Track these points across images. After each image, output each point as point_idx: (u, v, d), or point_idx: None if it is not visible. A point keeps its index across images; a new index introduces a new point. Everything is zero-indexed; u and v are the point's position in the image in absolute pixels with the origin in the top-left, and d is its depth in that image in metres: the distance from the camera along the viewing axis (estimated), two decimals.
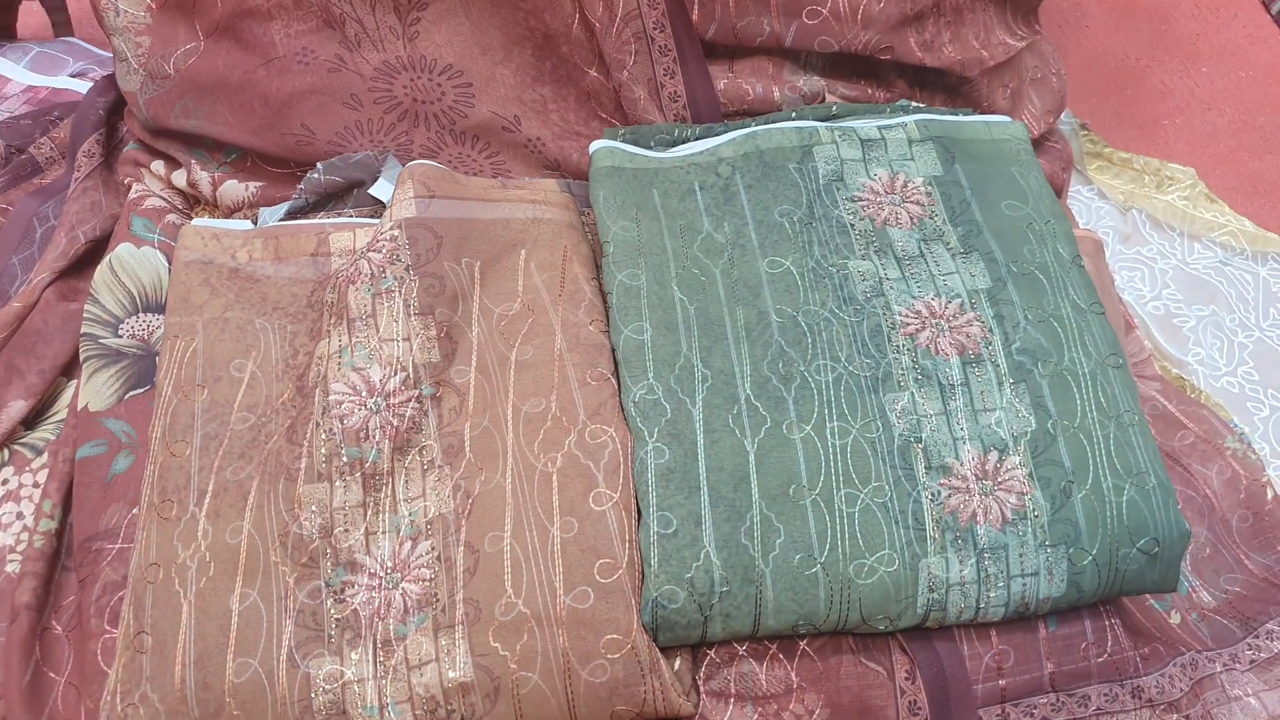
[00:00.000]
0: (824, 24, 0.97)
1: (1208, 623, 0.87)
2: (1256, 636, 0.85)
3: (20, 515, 0.85)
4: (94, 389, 0.86)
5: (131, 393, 0.87)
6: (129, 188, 1.01)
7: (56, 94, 1.20)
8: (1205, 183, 1.21)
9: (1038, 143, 1.10)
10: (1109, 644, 0.77)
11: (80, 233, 1.00)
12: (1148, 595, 0.84)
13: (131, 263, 0.92)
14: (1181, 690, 0.78)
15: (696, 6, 0.97)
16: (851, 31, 0.97)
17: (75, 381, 0.92)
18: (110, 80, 1.09)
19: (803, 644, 0.75)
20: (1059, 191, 1.12)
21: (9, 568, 0.82)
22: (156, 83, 0.97)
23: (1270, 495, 0.94)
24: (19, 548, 0.84)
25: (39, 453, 0.89)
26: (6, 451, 0.89)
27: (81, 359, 0.88)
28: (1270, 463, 1.00)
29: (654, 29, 0.97)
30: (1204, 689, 0.80)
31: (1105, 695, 0.76)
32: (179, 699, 0.68)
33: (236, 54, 0.95)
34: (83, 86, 1.19)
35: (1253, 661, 0.84)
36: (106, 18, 0.98)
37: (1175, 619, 0.85)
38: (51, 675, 0.77)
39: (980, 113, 1.03)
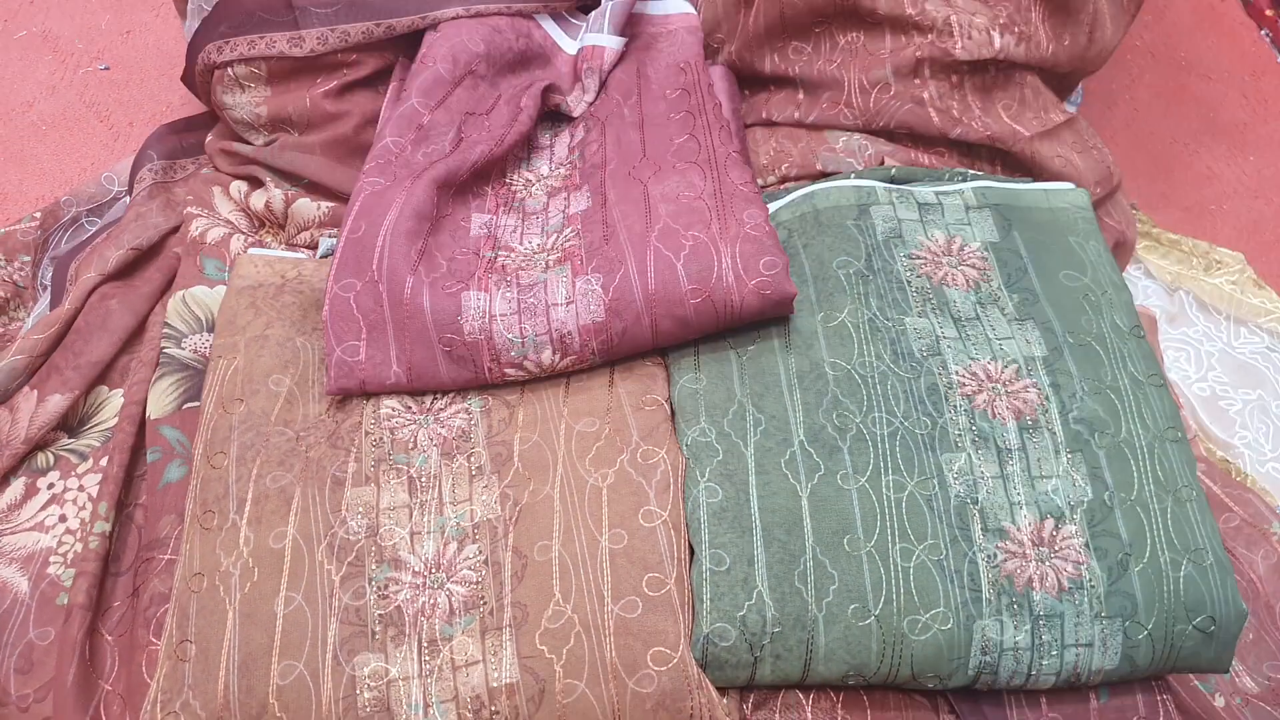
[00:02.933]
0: (840, 112, 1.03)
1: (1251, 709, 0.85)
2: None
3: (64, 518, 0.86)
4: (156, 395, 0.87)
5: (189, 404, 0.88)
6: (188, 219, 1.02)
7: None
8: (1253, 269, 1.22)
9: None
10: None
11: (126, 240, 1.03)
12: (1193, 676, 0.83)
13: (204, 297, 0.94)
14: None
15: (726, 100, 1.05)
16: (865, 117, 1.02)
17: (119, 391, 0.94)
18: (172, 124, 1.17)
19: None
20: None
21: (50, 569, 0.83)
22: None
23: None
24: (60, 549, 0.84)
25: (84, 458, 0.90)
26: (52, 456, 0.90)
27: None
28: None
29: None
30: None
31: None
32: (221, 705, 0.68)
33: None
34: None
35: None
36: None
37: (1220, 702, 0.84)
38: (97, 680, 0.76)
39: (1038, 180, 1.05)
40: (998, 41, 1.01)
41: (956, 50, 1.00)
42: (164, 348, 0.90)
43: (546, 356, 0.80)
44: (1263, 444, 1.08)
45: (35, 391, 0.91)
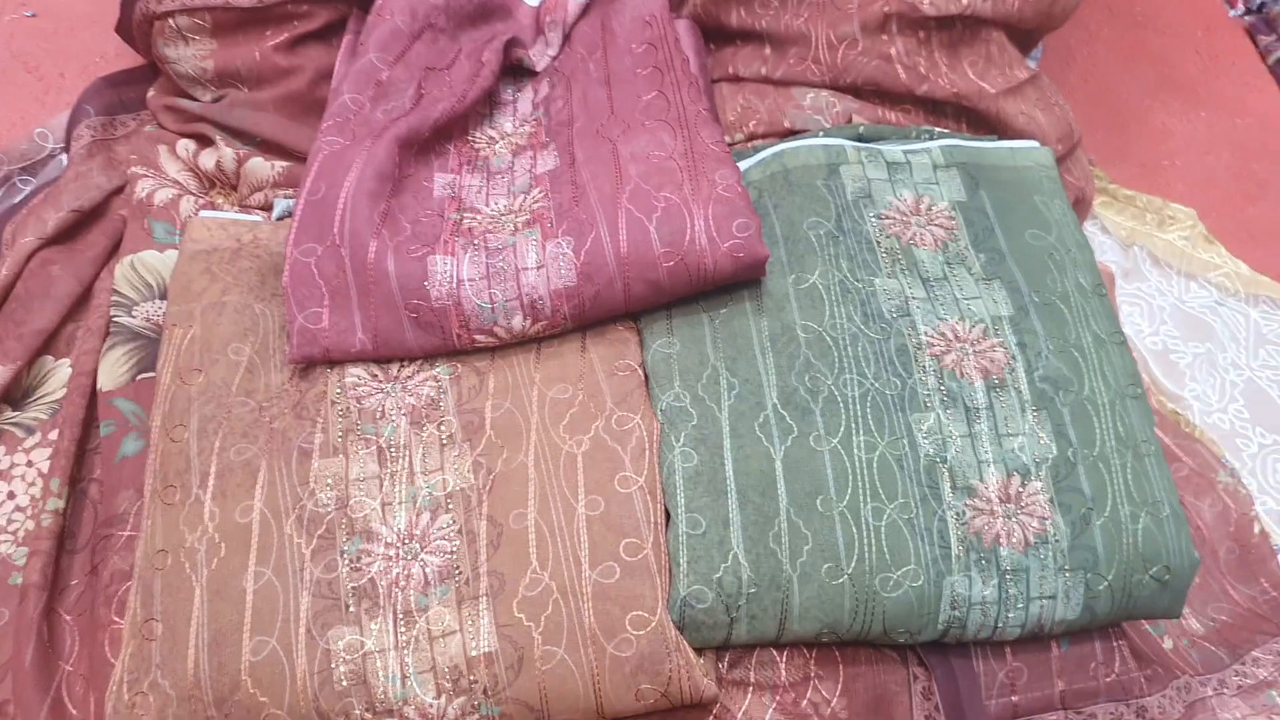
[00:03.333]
0: (807, 68, 1.02)
1: (1197, 649, 0.89)
2: (1243, 664, 0.88)
3: (12, 495, 0.83)
4: (107, 366, 0.84)
5: (143, 375, 0.85)
6: (133, 180, 0.98)
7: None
8: (1204, 224, 1.24)
9: None
10: (1116, 665, 0.78)
11: (65, 202, 0.98)
12: (1144, 620, 0.86)
13: (154, 262, 0.90)
14: (1179, 712, 0.80)
15: (693, 56, 1.03)
16: (832, 74, 1.01)
17: (65, 361, 0.91)
18: (110, 77, 1.11)
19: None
20: None
21: (1, 548, 0.80)
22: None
23: (1257, 529, 0.97)
24: (10, 528, 0.81)
25: (30, 432, 0.86)
26: None
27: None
28: (1257, 498, 1.03)
29: None
30: (1195, 712, 0.82)
31: (1111, 714, 0.77)
32: (192, 684, 0.67)
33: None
34: None
35: (1239, 687, 0.87)
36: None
37: (1168, 644, 0.87)
38: (57, 660, 0.74)
39: (1003, 137, 1.05)
40: None
41: (924, 6, 0.99)
42: (114, 316, 0.87)
43: (517, 322, 0.79)
44: (1210, 396, 1.11)
45: None
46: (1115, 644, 0.80)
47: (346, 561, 0.71)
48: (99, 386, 0.84)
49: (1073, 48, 1.45)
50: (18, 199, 1.09)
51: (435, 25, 0.95)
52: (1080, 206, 1.16)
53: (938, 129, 1.00)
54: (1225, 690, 0.86)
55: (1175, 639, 0.89)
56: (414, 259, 0.78)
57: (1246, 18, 1.55)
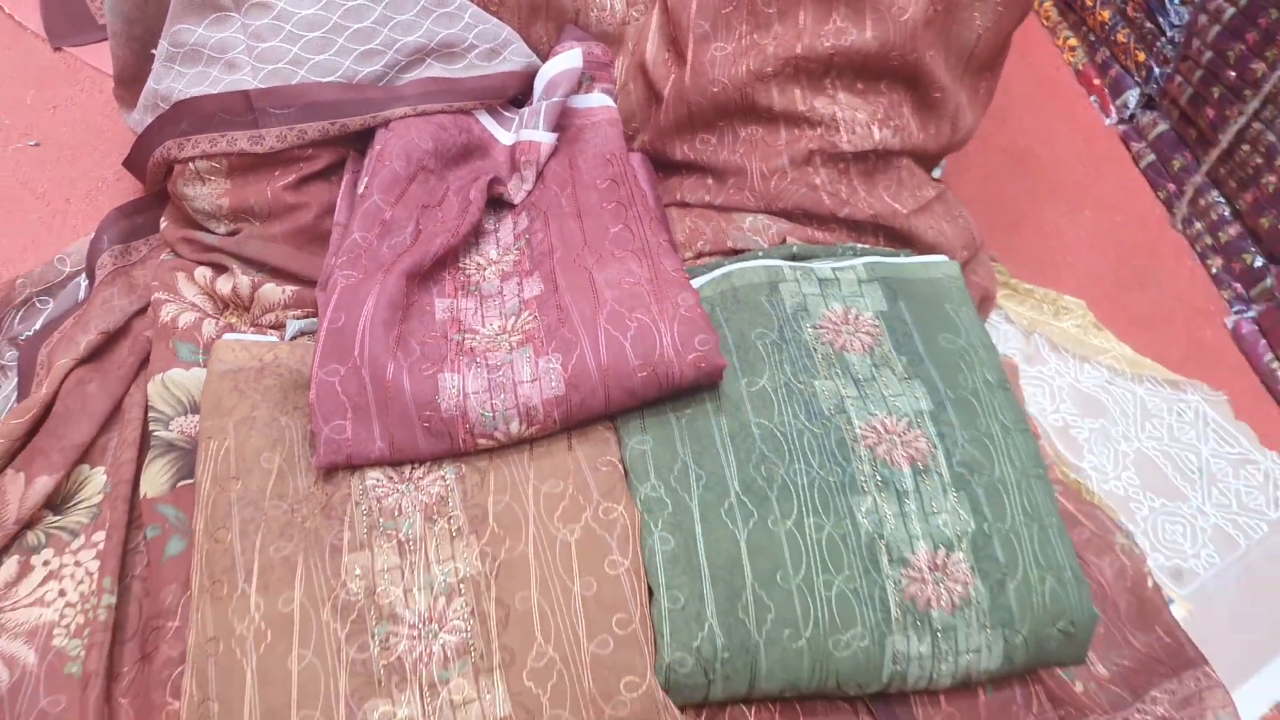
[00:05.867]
0: (745, 196, 1.18)
1: (1104, 690, 1.04)
2: (1143, 702, 1.03)
3: (63, 593, 0.92)
4: (150, 476, 0.95)
5: (182, 482, 0.95)
6: (156, 304, 1.09)
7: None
8: (1093, 313, 1.44)
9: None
10: (1035, 707, 0.93)
11: (94, 326, 1.09)
12: (1057, 667, 1.01)
13: (182, 379, 1.01)
14: None
15: (649, 188, 1.19)
16: (766, 200, 1.18)
17: (100, 469, 1.00)
18: (122, 208, 1.24)
19: None
20: None
21: (55, 641, 0.89)
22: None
23: (1150, 584, 1.13)
24: (63, 623, 0.90)
25: (75, 535, 0.96)
26: (43, 534, 0.95)
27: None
28: (1150, 556, 1.19)
29: None
30: None
31: None
32: None
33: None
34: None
35: None
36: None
37: (1079, 687, 1.02)
38: None
39: (916, 249, 1.22)
40: (877, 135, 1.18)
41: (843, 144, 1.17)
42: (153, 431, 0.97)
43: (514, 427, 0.92)
44: (1106, 466, 1.28)
45: (21, 474, 0.97)
46: (1033, 689, 0.94)
47: (377, 642, 0.82)
48: (143, 494, 0.94)
49: (970, 154, 1.65)
50: (38, 320, 1.19)
51: (426, 167, 1.09)
52: (986, 303, 1.34)
53: (860, 245, 1.17)
54: None
55: (1085, 682, 1.03)
56: (426, 377, 0.91)
57: (1120, 126, 1.79)
